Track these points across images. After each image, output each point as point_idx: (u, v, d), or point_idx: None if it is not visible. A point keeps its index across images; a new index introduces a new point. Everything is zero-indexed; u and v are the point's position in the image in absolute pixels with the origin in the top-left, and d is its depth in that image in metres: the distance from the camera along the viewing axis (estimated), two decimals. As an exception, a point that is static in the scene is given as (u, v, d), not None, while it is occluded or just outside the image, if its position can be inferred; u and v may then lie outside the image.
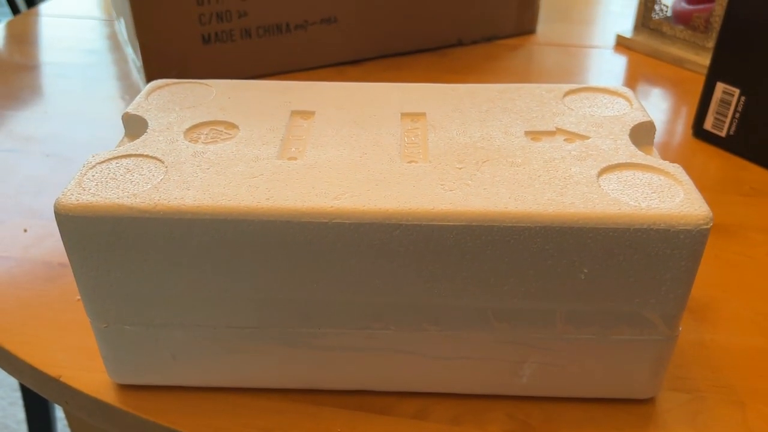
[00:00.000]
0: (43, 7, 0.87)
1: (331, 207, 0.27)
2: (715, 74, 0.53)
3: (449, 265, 0.28)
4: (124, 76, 0.68)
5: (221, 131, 0.33)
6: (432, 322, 0.30)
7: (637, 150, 0.31)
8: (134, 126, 0.34)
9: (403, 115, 0.34)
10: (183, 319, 0.30)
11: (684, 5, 0.69)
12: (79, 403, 0.34)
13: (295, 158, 0.31)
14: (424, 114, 0.34)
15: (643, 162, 0.30)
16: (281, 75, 0.67)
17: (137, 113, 0.34)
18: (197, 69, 0.64)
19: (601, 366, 0.31)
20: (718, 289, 0.40)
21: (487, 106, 0.35)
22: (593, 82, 0.68)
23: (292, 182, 0.29)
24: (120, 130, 0.34)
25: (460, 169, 0.30)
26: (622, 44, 0.74)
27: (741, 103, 0.51)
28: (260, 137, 0.32)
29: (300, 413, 0.32)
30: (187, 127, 0.33)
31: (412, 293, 0.29)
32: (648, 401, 0.32)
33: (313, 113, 0.34)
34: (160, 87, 0.37)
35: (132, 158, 0.30)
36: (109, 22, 0.82)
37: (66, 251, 0.28)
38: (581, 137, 0.32)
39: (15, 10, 1.23)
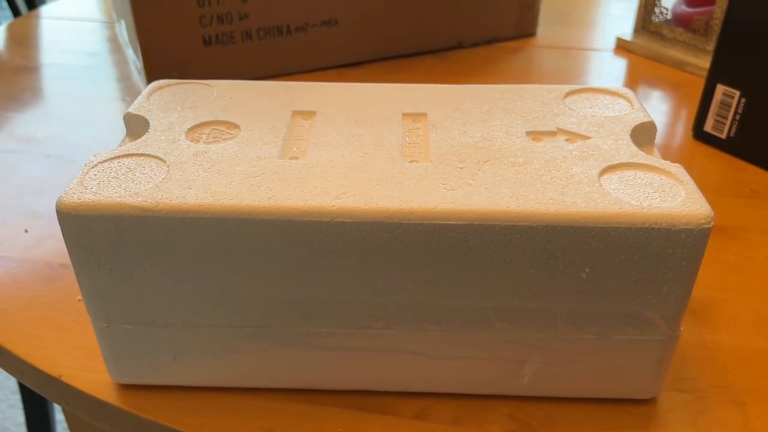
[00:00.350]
0: (43, 10, 0.87)
1: (333, 206, 0.27)
2: (715, 76, 0.53)
3: (450, 264, 0.28)
4: (124, 78, 0.68)
5: (223, 131, 0.33)
6: (433, 322, 0.30)
7: (638, 150, 0.31)
8: (136, 126, 0.34)
9: (405, 115, 0.34)
10: (184, 319, 0.30)
11: (684, 8, 0.69)
12: (79, 403, 0.33)
13: (297, 158, 0.31)
14: (425, 114, 0.34)
15: (645, 162, 0.30)
16: (282, 77, 0.67)
17: (139, 113, 0.34)
18: (198, 71, 0.64)
19: (602, 366, 0.31)
20: (718, 291, 0.40)
21: (489, 107, 0.35)
22: (593, 84, 0.68)
23: (294, 181, 0.29)
24: (120, 131, 0.34)
25: (462, 168, 0.30)
26: (622, 47, 0.74)
27: (741, 105, 0.52)
28: (262, 137, 0.32)
29: (300, 413, 0.32)
30: (188, 126, 0.33)
31: (414, 293, 0.29)
32: (649, 401, 0.32)
33: (314, 113, 0.34)
34: (161, 87, 0.37)
35: (134, 157, 0.30)
36: (110, 25, 0.82)
37: (67, 250, 0.28)
38: (582, 137, 0.32)
39: (16, 12, 1.23)
